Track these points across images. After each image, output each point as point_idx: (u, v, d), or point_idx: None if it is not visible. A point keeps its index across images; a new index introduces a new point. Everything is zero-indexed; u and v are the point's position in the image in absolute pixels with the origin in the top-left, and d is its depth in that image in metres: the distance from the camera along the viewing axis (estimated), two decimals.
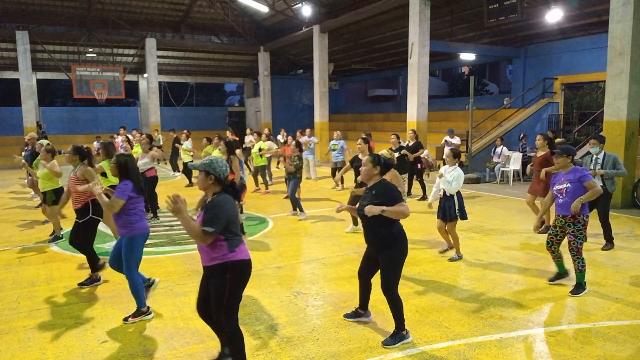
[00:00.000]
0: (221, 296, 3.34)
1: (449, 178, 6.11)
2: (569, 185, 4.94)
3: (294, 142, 9.54)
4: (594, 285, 5.29)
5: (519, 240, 7.30)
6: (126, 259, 4.43)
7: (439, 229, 6.42)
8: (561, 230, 5.10)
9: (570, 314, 4.58)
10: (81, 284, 5.47)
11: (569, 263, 5.32)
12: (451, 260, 6.26)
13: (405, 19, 14.67)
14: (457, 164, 6.20)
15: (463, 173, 6.16)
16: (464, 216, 6.15)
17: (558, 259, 5.29)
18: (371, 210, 3.78)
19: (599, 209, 6.62)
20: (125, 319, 4.48)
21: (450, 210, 6.12)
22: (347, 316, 4.49)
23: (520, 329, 4.25)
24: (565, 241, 5.12)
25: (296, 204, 9.11)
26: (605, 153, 6.80)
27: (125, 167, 4.49)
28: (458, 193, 6.16)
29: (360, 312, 4.45)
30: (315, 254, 6.77)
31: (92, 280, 5.52)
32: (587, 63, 16.02)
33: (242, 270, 3.39)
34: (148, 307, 4.63)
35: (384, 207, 3.77)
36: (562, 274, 5.36)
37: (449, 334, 4.15)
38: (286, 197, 11.12)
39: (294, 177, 9.12)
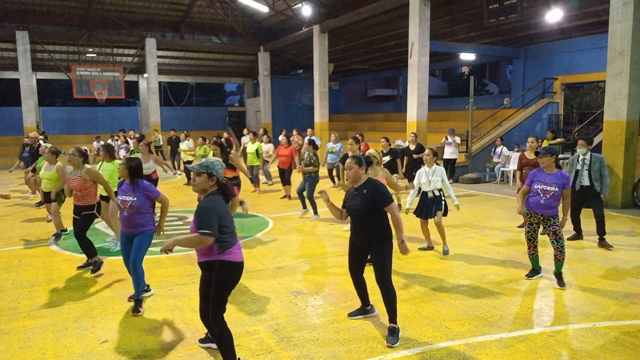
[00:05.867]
0: (208, 291, 3.45)
1: (438, 178, 6.43)
2: (556, 189, 5.18)
3: (307, 141, 9.65)
4: (594, 285, 5.30)
5: (519, 240, 7.29)
6: (139, 251, 4.72)
7: (422, 228, 6.70)
8: (537, 226, 5.39)
9: (570, 314, 4.58)
10: (80, 267, 6.00)
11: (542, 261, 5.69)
12: (444, 252, 6.52)
13: (405, 19, 14.68)
14: (435, 164, 6.59)
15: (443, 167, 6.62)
16: (446, 211, 6.56)
17: (535, 254, 5.51)
18: (406, 248, 4.13)
19: (595, 209, 6.93)
20: (137, 311, 4.64)
21: (435, 207, 6.41)
22: (351, 315, 4.51)
23: (520, 329, 4.25)
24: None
25: (312, 204, 8.91)
26: (591, 154, 7.00)
27: (137, 169, 4.82)
28: (441, 190, 6.53)
29: (366, 309, 4.50)
30: (315, 253, 6.77)
31: (88, 264, 5.94)
32: (587, 63, 16.03)
33: (229, 271, 3.40)
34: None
35: (400, 235, 4.09)
36: (537, 270, 5.61)
37: (449, 334, 4.15)
38: (284, 197, 11.14)
39: (310, 177, 8.89)
